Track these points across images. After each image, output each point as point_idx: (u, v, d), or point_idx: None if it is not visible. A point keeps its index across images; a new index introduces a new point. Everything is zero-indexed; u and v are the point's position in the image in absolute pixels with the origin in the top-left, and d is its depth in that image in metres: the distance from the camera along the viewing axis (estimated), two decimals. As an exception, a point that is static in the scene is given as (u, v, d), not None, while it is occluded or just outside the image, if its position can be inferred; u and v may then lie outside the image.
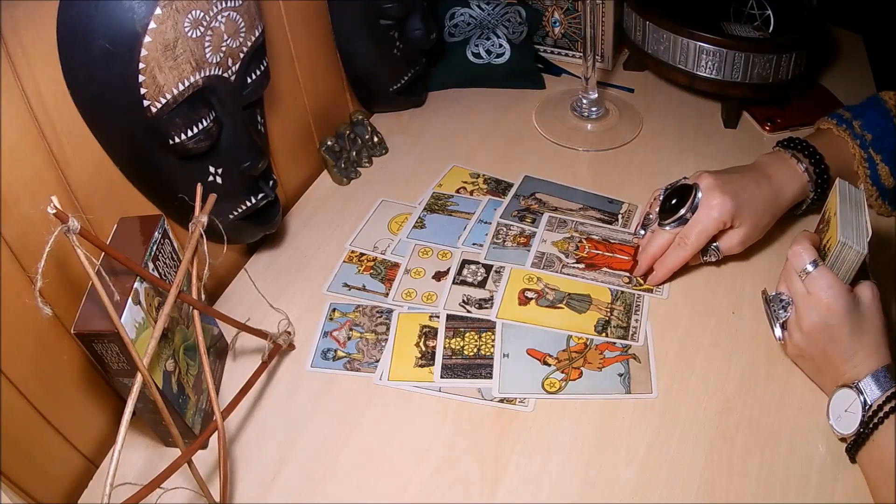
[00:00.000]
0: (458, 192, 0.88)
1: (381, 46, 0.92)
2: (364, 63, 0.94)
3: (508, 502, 0.58)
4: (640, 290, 0.74)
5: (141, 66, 0.57)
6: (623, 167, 0.90)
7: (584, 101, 0.97)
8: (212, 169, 0.69)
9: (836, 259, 0.60)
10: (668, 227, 0.73)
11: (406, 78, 0.97)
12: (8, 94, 0.54)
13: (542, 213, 0.84)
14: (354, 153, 0.93)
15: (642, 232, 0.77)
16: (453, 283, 0.76)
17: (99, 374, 0.65)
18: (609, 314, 0.72)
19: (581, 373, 0.67)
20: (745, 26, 0.99)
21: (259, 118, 0.76)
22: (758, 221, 0.72)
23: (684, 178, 0.75)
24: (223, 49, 0.64)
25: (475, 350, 0.69)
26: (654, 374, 0.66)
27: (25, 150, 0.56)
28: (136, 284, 0.54)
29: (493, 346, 0.70)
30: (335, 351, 0.71)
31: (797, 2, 0.96)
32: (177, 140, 0.63)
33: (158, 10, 0.57)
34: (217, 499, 0.56)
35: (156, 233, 0.59)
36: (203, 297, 0.61)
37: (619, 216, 0.83)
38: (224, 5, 0.62)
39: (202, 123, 0.64)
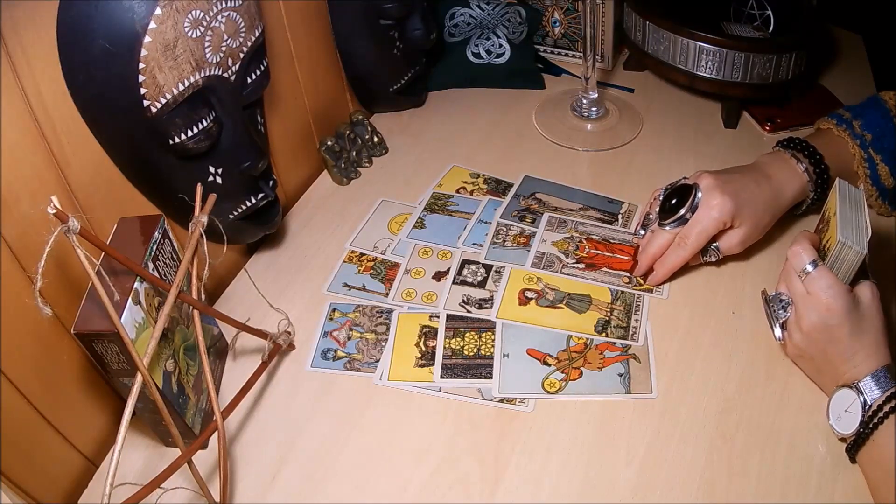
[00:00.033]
0: (458, 192, 0.88)
1: (381, 46, 0.92)
2: (364, 63, 0.94)
3: (508, 502, 0.58)
4: (640, 290, 0.74)
5: (141, 66, 0.57)
6: (623, 167, 0.90)
7: (584, 101, 0.97)
8: (212, 169, 0.69)
9: (836, 259, 0.60)
10: (668, 227, 0.73)
11: (406, 78, 0.97)
12: (8, 94, 0.54)
13: (542, 213, 0.84)
14: (354, 153, 0.93)
15: (642, 232, 0.77)
16: (453, 283, 0.76)
17: (99, 374, 0.65)
18: (609, 314, 0.72)
19: (581, 373, 0.67)
20: (745, 26, 0.99)
21: (259, 118, 0.76)
22: (758, 221, 0.72)
23: (684, 178, 0.75)
24: (223, 49, 0.64)
25: (475, 350, 0.69)
26: (654, 374, 0.66)
27: (25, 150, 0.56)
28: (136, 284, 0.54)
29: (493, 346, 0.70)
30: (335, 351, 0.71)
31: (797, 2, 0.96)
32: (177, 140, 0.63)
33: (158, 10, 0.57)
34: (217, 499, 0.56)
35: (156, 233, 0.59)
36: (203, 297, 0.61)
37: (619, 216, 0.83)
38: (224, 5, 0.62)
39: (202, 123, 0.64)
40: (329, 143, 0.90)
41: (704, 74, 0.91)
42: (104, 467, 0.65)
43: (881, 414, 0.55)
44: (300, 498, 0.60)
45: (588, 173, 0.90)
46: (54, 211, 0.44)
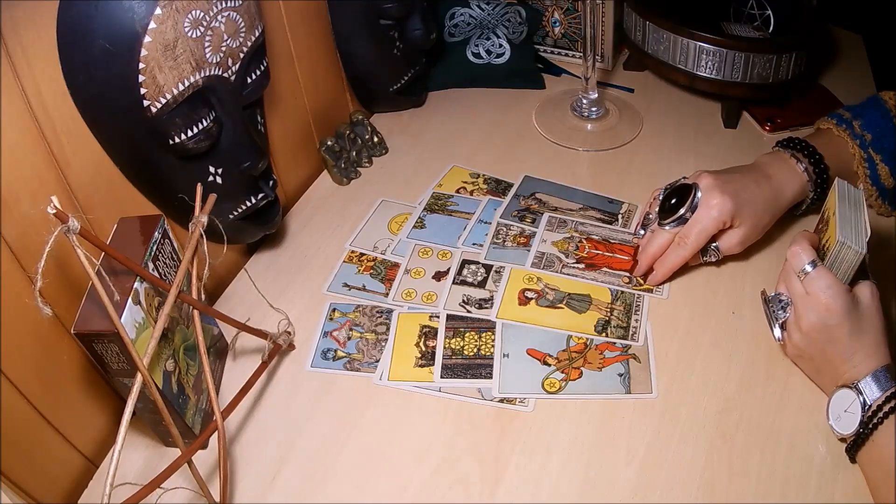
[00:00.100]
0: (458, 192, 0.88)
1: (381, 46, 0.92)
2: (364, 63, 0.94)
3: (508, 502, 0.58)
4: (640, 290, 0.74)
5: (141, 66, 0.57)
6: (623, 167, 0.90)
7: (584, 101, 0.97)
8: (212, 169, 0.69)
9: (835, 259, 0.60)
10: (667, 227, 0.73)
11: (406, 78, 0.97)
12: (8, 94, 0.54)
13: (542, 213, 0.84)
14: (354, 153, 0.93)
15: (642, 232, 0.77)
16: (453, 283, 0.76)
17: (99, 374, 0.65)
18: (609, 314, 0.72)
19: (581, 373, 0.67)
20: (745, 26, 0.99)
21: (259, 118, 0.76)
22: (757, 221, 0.72)
23: (684, 177, 0.75)
24: (223, 49, 0.64)
25: (475, 350, 0.69)
26: (654, 374, 0.66)
27: (25, 150, 0.56)
28: (136, 284, 0.54)
29: (493, 346, 0.70)
30: (335, 351, 0.71)
31: (797, 2, 0.96)
32: (177, 140, 0.63)
33: (158, 10, 0.57)
34: (217, 499, 0.56)
35: (156, 233, 0.59)
36: (203, 297, 0.61)
37: (619, 216, 0.83)
38: (224, 5, 0.62)
39: (202, 123, 0.64)
40: (329, 143, 0.90)
41: (704, 74, 0.91)
42: (104, 467, 0.65)
43: (881, 414, 0.55)
44: (300, 498, 0.60)
45: (588, 173, 0.90)
46: (54, 211, 0.44)
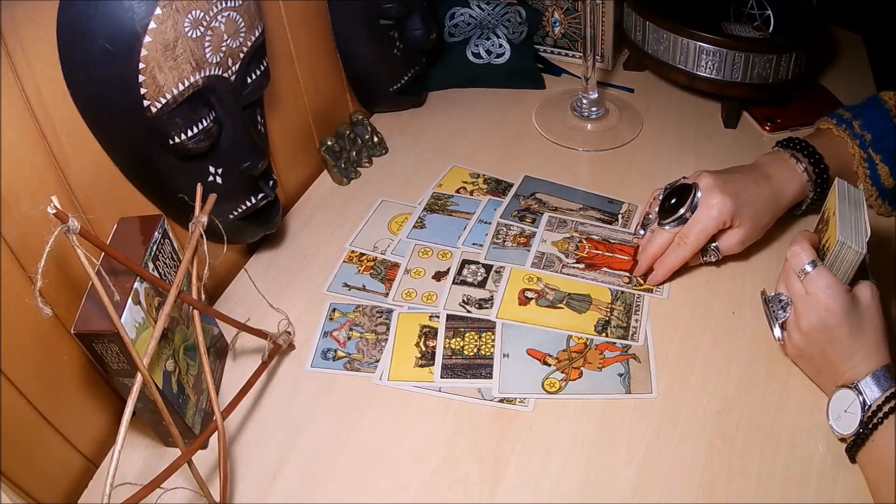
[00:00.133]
0: (458, 192, 0.88)
1: (381, 46, 0.92)
2: (364, 63, 0.94)
3: (508, 502, 0.58)
4: (640, 290, 0.74)
5: (141, 66, 0.57)
6: (623, 167, 0.90)
7: (584, 101, 0.97)
8: (212, 169, 0.69)
9: (835, 259, 0.60)
10: (667, 227, 0.73)
11: (406, 78, 0.97)
12: (8, 94, 0.54)
13: (542, 213, 0.84)
14: (354, 153, 0.93)
15: (642, 232, 0.77)
16: (453, 283, 0.76)
17: (99, 374, 0.65)
18: (609, 314, 0.72)
19: (581, 373, 0.67)
20: (745, 26, 0.99)
21: (259, 118, 0.76)
22: (757, 221, 0.72)
23: (684, 177, 0.75)
24: (223, 49, 0.64)
25: (475, 350, 0.69)
26: (654, 374, 0.66)
27: (25, 150, 0.56)
28: (136, 284, 0.54)
29: (493, 346, 0.70)
30: (335, 351, 0.71)
31: (797, 2, 0.96)
32: (177, 140, 0.63)
33: (158, 10, 0.57)
34: (217, 499, 0.56)
35: (156, 233, 0.59)
36: (203, 297, 0.61)
37: (619, 216, 0.83)
38: (224, 5, 0.62)
39: (202, 123, 0.64)
40: (329, 143, 0.90)
41: (704, 74, 0.91)
42: (104, 467, 0.65)
43: (881, 414, 0.55)
44: (300, 498, 0.60)
45: (588, 173, 0.90)
46: (54, 211, 0.44)
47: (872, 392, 0.56)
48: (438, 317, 0.73)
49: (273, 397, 0.68)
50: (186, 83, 0.61)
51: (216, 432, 0.56)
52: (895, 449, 0.53)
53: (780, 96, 0.94)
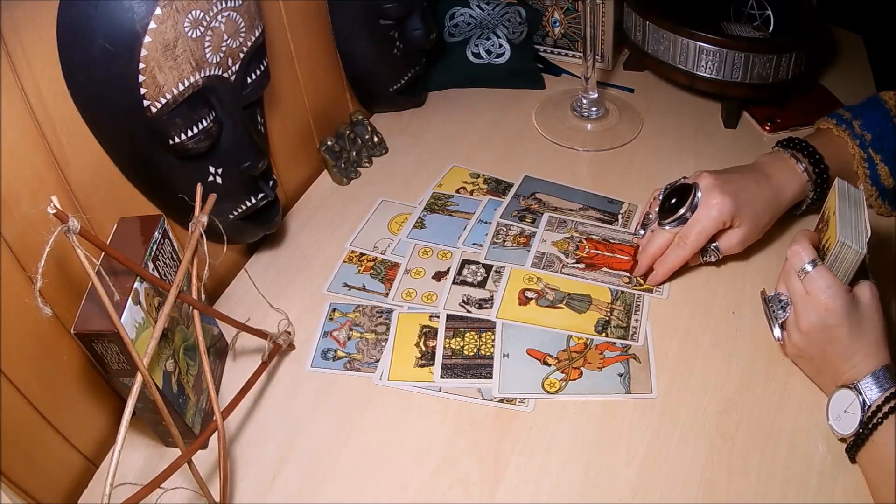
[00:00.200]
0: (458, 192, 0.88)
1: (381, 46, 0.92)
2: (364, 63, 0.94)
3: (508, 502, 0.58)
4: (640, 290, 0.74)
5: (141, 66, 0.57)
6: (623, 167, 0.90)
7: (584, 101, 0.97)
8: (212, 169, 0.69)
9: (835, 259, 0.60)
10: (667, 227, 0.73)
11: (406, 78, 0.97)
12: (8, 94, 0.54)
13: (542, 213, 0.84)
14: (354, 153, 0.93)
15: (642, 232, 0.77)
16: (453, 283, 0.76)
17: (99, 374, 0.65)
18: (609, 314, 0.72)
19: (581, 373, 0.67)
20: (745, 26, 0.99)
21: (259, 118, 0.76)
22: (757, 221, 0.72)
23: (684, 177, 0.75)
24: (223, 49, 0.64)
25: (475, 350, 0.69)
26: (654, 374, 0.66)
27: (25, 150, 0.56)
28: (136, 284, 0.54)
29: (493, 346, 0.70)
30: (335, 351, 0.71)
31: (797, 2, 0.96)
32: (177, 140, 0.63)
33: (158, 10, 0.57)
34: (217, 499, 0.56)
35: (156, 233, 0.59)
36: (203, 297, 0.61)
37: (619, 216, 0.83)
38: (224, 5, 0.62)
39: (202, 123, 0.64)
40: (329, 143, 0.90)
41: (704, 74, 0.91)
42: (104, 467, 0.65)
43: (880, 414, 0.55)
44: (300, 498, 0.60)
45: (588, 173, 0.90)
46: (54, 211, 0.44)
47: (872, 392, 0.56)
48: (438, 317, 0.73)
49: (273, 397, 0.68)
50: (186, 83, 0.61)
51: (216, 432, 0.56)
52: (895, 449, 0.53)
53: (780, 96, 0.94)
